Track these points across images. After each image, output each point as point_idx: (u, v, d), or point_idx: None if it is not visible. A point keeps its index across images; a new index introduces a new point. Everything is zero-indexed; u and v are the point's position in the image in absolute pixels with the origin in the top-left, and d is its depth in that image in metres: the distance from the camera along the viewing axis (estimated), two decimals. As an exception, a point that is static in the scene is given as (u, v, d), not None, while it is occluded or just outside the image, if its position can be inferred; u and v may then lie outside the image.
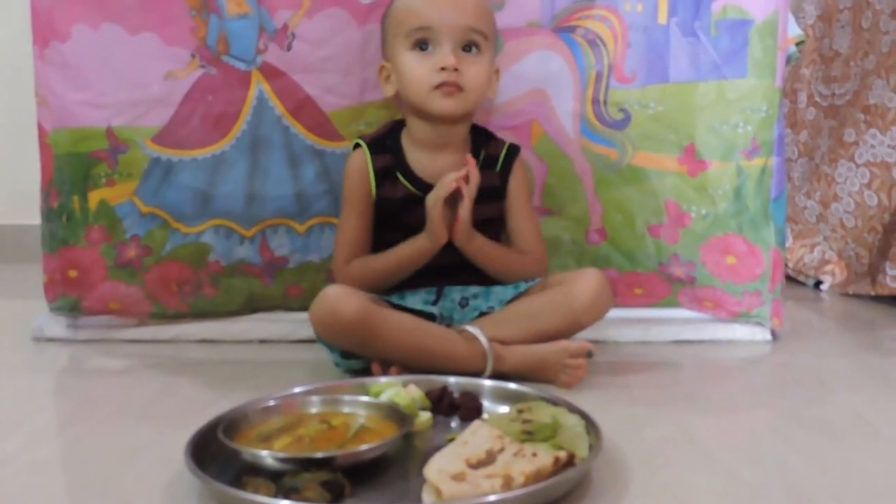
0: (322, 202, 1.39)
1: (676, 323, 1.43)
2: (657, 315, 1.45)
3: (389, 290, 1.26)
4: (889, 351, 1.41)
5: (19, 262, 1.97)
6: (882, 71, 1.74)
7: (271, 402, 0.97)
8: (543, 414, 0.95)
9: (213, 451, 0.87)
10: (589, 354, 1.16)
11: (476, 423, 0.89)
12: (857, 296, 1.76)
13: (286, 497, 0.77)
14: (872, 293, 1.70)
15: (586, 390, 1.15)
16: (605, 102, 1.39)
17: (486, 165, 1.30)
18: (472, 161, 1.20)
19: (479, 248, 1.25)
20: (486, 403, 1.05)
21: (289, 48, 1.36)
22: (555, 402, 0.98)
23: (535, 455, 0.81)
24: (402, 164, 1.28)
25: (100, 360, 1.35)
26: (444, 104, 1.22)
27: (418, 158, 1.28)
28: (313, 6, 1.35)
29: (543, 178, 1.42)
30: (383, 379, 1.08)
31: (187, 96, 1.36)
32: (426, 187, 1.26)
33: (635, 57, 1.38)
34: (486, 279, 1.28)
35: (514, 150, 1.32)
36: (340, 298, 1.13)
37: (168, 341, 1.42)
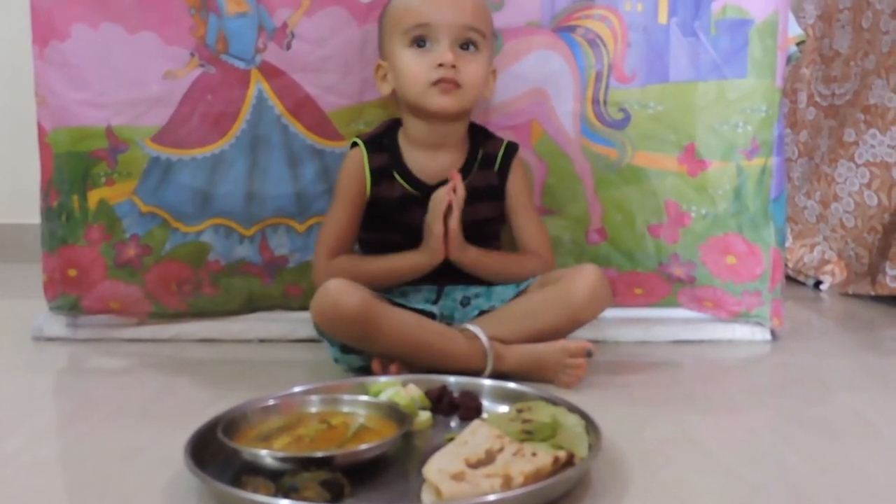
0: (322, 201, 1.39)
1: (676, 323, 1.43)
2: (657, 315, 1.45)
3: (390, 287, 1.26)
4: (889, 351, 1.41)
5: (19, 262, 1.97)
6: (882, 71, 1.74)
7: (271, 402, 0.97)
8: (543, 414, 0.95)
9: (212, 450, 0.87)
10: (589, 354, 1.16)
11: (476, 423, 0.89)
12: (856, 296, 1.76)
13: (286, 496, 0.77)
14: (872, 293, 1.70)
15: (586, 390, 1.15)
16: (605, 102, 1.39)
17: (483, 164, 1.30)
18: (456, 175, 1.20)
19: (474, 259, 1.25)
20: (485, 403, 1.05)
21: (288, 47, 1.36)
22: (554, 402, 0.98)
23: (534, 455, 0.81)
24: (398, 164, 1.28)
25: (99, 360, 1.35)
26: (441, 101, 1.22)
27: (415, 158, 1.28)
28: (313, 5, 1.35)
29: (543, 177, 1.42)
30: (383, 378, 1.08)
31: (187, 95, 1.36)
32: (423, 187, 1.26)
33: (635, 57, 1.38)
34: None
35: (512, 149, 1.32)
36: (342, 291, 1.12)
37: (168, 341, 1.42)
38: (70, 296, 1.40)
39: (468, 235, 1.21)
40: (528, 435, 0.89)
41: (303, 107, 1.38)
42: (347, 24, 1.35)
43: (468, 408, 1.02)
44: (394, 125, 1.30)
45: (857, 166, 1.79)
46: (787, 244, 1.89)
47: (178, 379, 1.23)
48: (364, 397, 1.00)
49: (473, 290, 1.28)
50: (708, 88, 1.37)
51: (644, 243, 1.42)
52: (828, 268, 1.84)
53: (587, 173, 1.42)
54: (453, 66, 1.20)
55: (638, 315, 1.45)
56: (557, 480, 0.79)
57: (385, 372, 1.15)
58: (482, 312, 1.24)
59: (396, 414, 0.94)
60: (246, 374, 1.26)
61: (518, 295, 1.25)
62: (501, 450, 0.83)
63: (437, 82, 1.21)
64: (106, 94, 1.35)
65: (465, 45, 1.23)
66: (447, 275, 1.26)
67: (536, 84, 1.39)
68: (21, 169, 1.74)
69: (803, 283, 1.88)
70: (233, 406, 0.95)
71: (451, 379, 1.08)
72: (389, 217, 1.27)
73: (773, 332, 1.42)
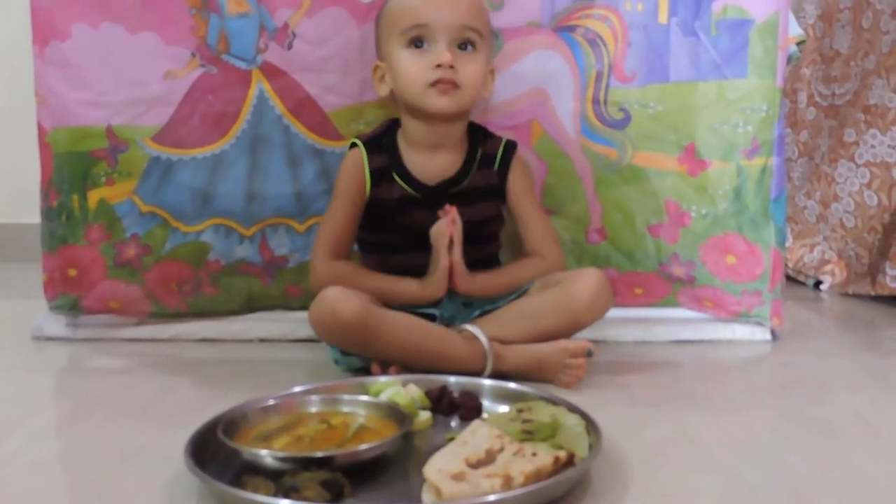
0: (322, 201, 1.39)
1: (676, 323, 1.43)
2: (657, 315, 1.45)
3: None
4: (889, 351, 1.41)
5: (19, 262, 1.97)
6: (882, 71, 1.74)
7: (271, 402, 0.97)
8: (543, 413, 0.95)
9: (212, 450, 0.87)
10: (589, 354, 1.16)
11: (476, 423, 0.89)
12: (856, 296, 1.76)
13: (286, 496, 0.77)
14: (872, 293, 1.70)
15: (586, 390, 1.15)
16: (605, 102, 1.39)
17: (483, 164, 1.30)
18: (451, 209, 1.19)
19: (482, 286, 1.24)
20: (485, 403, 1.05)
21: (289, 47, 1.35)
22: (554, 402, 0.98)
23: (534, 455, 0.81)
24: (398, 165, 1.27)
25: (99, 360, 1.35)
26: (439, 102, 1.21)
27: (414, 159, 1.28)
28: (313, 5, 1.34)
29: (543, 177, 1.42)
30: (383, 378, 1.08)
31: (187, 95, 1.36)
32: (422, 188, 1.26)
33: (635, 56, 1.38)
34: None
35: (511, 147, 1.32)
36: (340, 299, 1.12)
37: (168, 340, 1.42)
38: (70, 295, 1.40)
39: (468, 236, 1.20)
40: (529, 435, 0.89)
41: (303, 107, 1.38)
42: (347, 25, 1.35)
43: (468, 408, 1.02)
44: (393, 126, 1.30)
45: (858, 166, 1.79)
46: (788, 244, 1.89)
47: (178, 379, 1.23)
48: (364, 397, 1.00)
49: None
50: (708, 88, 1.37)
51: (644, 243, 1.42)
52: (828, 268, 1.84)
53: (587, 173, 1.42)
54: (451, 67, 1.20)
55: (638, 315, 1.45)
56: (558, 480, 0.79)
57: (385, 373, 1.14)
58: (484, 313, 1.24)
59: (396, 414, 0.94)
60: (246, 373, 1.26)
61: (519, 296, 1.25)
62: (502, 450, 0.83)
63: (435, 83, 1.20)
64: (106, 93, 1.35)
65: (463, 45, 1.22)
66: (449, 275, 1.24)
67: (536, 84, 1.39)
68: (21, 169, 1.74)
69: (803, 283, 1.88)
70: (233, 406, 0.95)
71: (452, 379, 1.08)
72: (389, 218, 1.27)
73: (773, 332, 1.42)
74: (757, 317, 1.41)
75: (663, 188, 1.40)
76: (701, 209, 1.40)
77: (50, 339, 1.42)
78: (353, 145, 1.29)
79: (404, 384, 1.04)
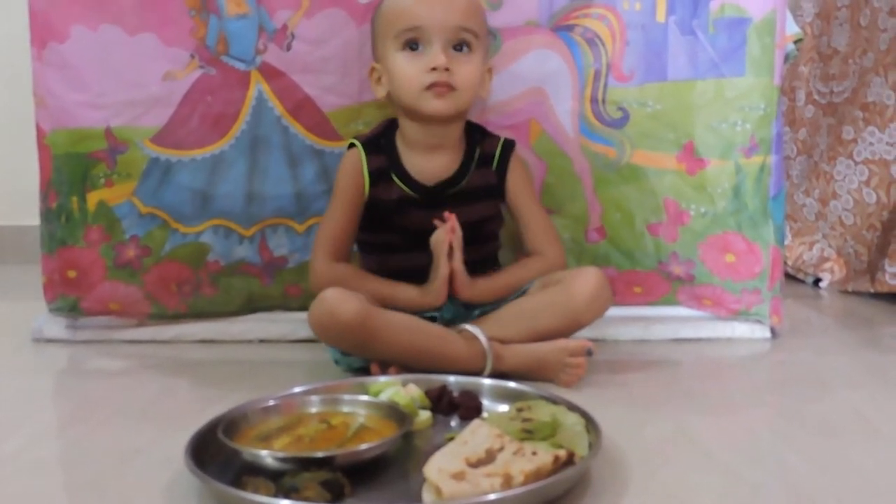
0: (321, 202, 1.39)
1: (676, 321, 1.43)
2: (656, 313, 1.45)
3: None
4: (888, 348, 1.41)
5: (18, 263, 1.97)
6: (880, 68, 1.74)
7: (271, 402, 0.97)
8: (543, 413, 0.95)
9: (212, 451, 0.87)
10: (588, 353, 1.16)
11: (476, 422, 0.89)
12: (856, 293, 1.76)
13: (286, 497, 0.77)
14: (871, 290, 1.70)
15: (586, 389, 1.15)
16: (603, 101, 1.39)
17: (481, 163, 1.30)
18: (451, 216, 1.19)
19: (484, 291, 1.24)
20: (485, 402, 1.05)
21: (288, 48, 1.36)
22: (554, 401, 0.98)
23: (534, 454, 0.81)
24: (396, 166, 1.27)
25: (99, 361, 1.35)
26: (435, 105, 1.21)
27: (413, 159, 1.28)
28: (312, 6, 1.34)
29: (542, 177, 1.42)
30: (383, 378, 1.08)
31: (186, 96, 1.36)
32: (421, 189, 1.26)
33: (633, 55, 1.38)
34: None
35: (509, 146, 1.32)
36: (339, 301, 1.12)
37: (168, 342, 1.42)
38: (70, 297, 1.40)
39: (467, 236, 1.20)
40: (529, 434, 0.89)
41: (302, 107, 1.38)
42: (346, 25, 1.35)
43: (468, 407, 1.02)
44: (391, 126, 1.30)
45: (856, 164, 1.79)
46: (787, 242, 1.89)
47: (178, 380, 1.23)
48: (364, 397, 1.00)
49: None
50: (706, 87, 1.37)
51: (643, 242, 1.43)
52: (827, 265, 1.85)
53: (586, 172, 1.42)
54: (446, 69, 1.20)
55: (637, 313, 1.45)
56: (558, 479, 0.79)
57: (384, 374, 1.15)
58: (484, 313, 1.24)
59: (396, 414, 0.94)
60: (246, 374, 1.26)
61: (519, 296, 1.25)
62: (501, 449, 0.83)
63: (430, 86, 1.20)
64: (105, 95, 1.35)
65: (459, 46, 1.22)
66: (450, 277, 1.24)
67: (535, 83, 1.39)
68: (20, 170, 1.73)
69: (802, 281, 1.88)
70: (233, 406, 0.96)
71: (451, 378, 1.08)
72: (387, 219, 1.27)
73: (772, 330, 1.42)
74: (756, 315, 1.41)
75: (662, 187, 1.40)
76: (700, 208, 1.40)
77: (50, 340, 1.42)
78: (352, 146, 1.29)
79: (404, 384, 1.04)
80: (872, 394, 1.15)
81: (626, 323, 1.42)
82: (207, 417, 0.92)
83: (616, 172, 1.41)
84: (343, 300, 1.12)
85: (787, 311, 1.44)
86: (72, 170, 1.37)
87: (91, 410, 1.11)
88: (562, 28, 1.38)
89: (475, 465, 0.80)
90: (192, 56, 1.35)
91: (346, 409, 0.97)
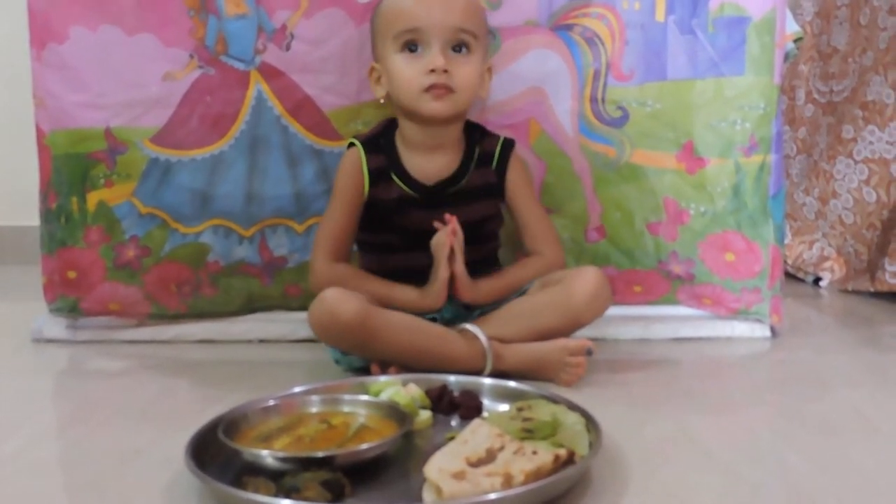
0: (321, 202, 1.39)
1: (676, 320, 1.44)
2: (656, 312, 1.45)
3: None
4: (888, 347, 1.41)
5: (18, 264, 1.97)
6: (880, 67, 1.74)
7: (271, 402, 0.97)
8: (543, 412, 0.95)
9: (213, 451, 0.87)
10: (589, 352, 1.16)
11: (476, 422, 0.90)
12: (856, 292, 1.76)
13: (287, 497, 0.77)
14: (871, 289, 1.70)
15: (586, 388, 1.15)
16: (603, 100, 1.39)
17: (481, 163, 1.30)
18: (452, 218, 1.19)
19: (487, 292, 1.24)
20: (485, 402, 1.05)
21: (287, 48, 1.36)
22: (554, 400, 0.98)
23: (535, 453, 0.81)
24: (396, 165, 1.27)
25: (99, 362, 1.35)
26: (434, 107, 1.21)
27: (412, 159, 1.28)
28: (311, 6, 1.34)
29: (542, 176, 1.42)
30: (383, 378, 1.08)
31: (186, 97, 1.36)
32: (421, 188, 1.26)
33: (633, 55, 1.38)
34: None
35: (508, 145, 1.32)
36: (339, 301, 1.12)
37: (168, 342, 1.42)
38: (69, 298, 1.40)
39: (467, 236, 1.20)
40: (529, 433, 0.90)
41: (302, 107, 1.38)
42: (345, 25, 1.35)
43: (468, 407, 1.02)
44: (390, 126, 1.30)
45: (856, 163, 1.79)
46: (787, 241, 1.89)
47: (178, 380, 1.23)
48: (364, 397, 1.00)
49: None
50: (706, 86, 1.37)
51: (643, 241, 1.43)
52: (827, 264, 1.85)
53: (586, 172, 1.42)
54: (445, 71, 1.19)
55: (637, 313, 1.45)
56: (558, 479, 0.79)
57: (384, 373, 1.15)
58: (484, 313, 1.24)
59: (397, 413, 0.94)
60: (246, 374, 1.26)
61: (519, 295, 1.25)
62: (502, 448, 0.83)
63: (429, 88, 1.20)
64: (105, 95, 1.35)
65: (458, 47, 1.22)
66: (451, 278, 1.24)
67: (534, 83, 1.39)
68: (20, 171, 1.74)
69: (802, 280, 1.88)
70: (233, 407, 0.96)
71: (452, 378, 1.08)
72: (387, 218, 1.27)
73: (772, 329, 1.42)
74: (756, 314, 1.41)
75: (662, 186, 1.40)
76: (699, 207, 1.40)
77: (50, 341, 1.42)
78: (351, 145, 1.29)
79: (404, 384, 1.04)
80: (872, 392, 1.15)
81: (626, 322, 1.42)
82: (208, 418, 0.92)
83: (616, 172, 1.41)
84: (343, 300, 1.12)
85: (787, 310, 1.44)
86: (71, 170, 1.37)
87: (91, 411, 1.11)
88: (561, 27, 1.38)
89: (475, 464, 0.80)
90: (192, 56, 1.35)
91: (346, 408, 0.97)
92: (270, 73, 1.36)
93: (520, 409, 0.97)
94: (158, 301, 1.42)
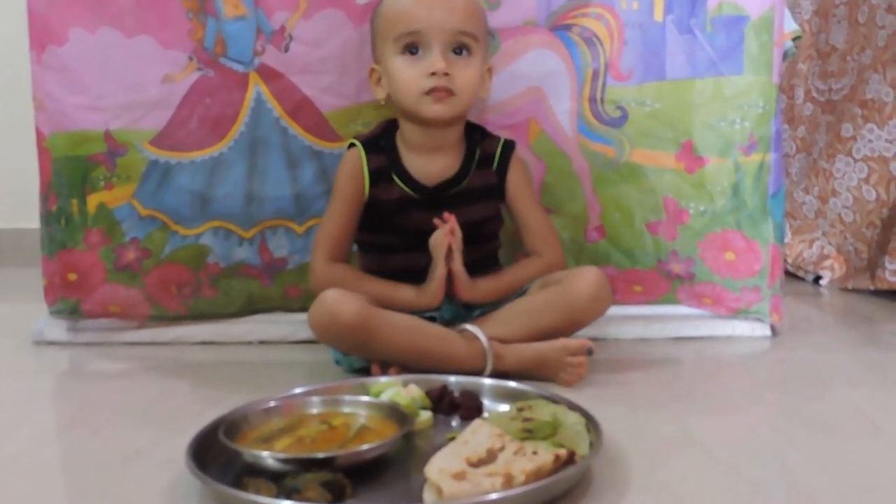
0: (321, 203, 1.39)
1: (676, 320, 1.44)
2: (656, 312, 1.45)
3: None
4: (888, 345, 1.41)
5: (19, 266, 1.97)
6: (879, 65, 1.74)
7: (272, 404, 0.97)
8: (544, 412, 0.95)
9: (214, 452, 0.87)
10: (589, 352, 1.16)
11: (476, 422, 0.90)
12: (856, 291, 1.76)
13: (287, 498, 0.78)
14: (872, 288, 1.70)
15: (586, 388, 1.15)
16: (602, 100, 1.39)
17: (481, 164, 1.30)
18: (451, 217, 1.19)
19: (486, 292, 1.24)
20: (486, 402, 1.05)
21: (286, 49, 1.36)
22: (555, 400, 0.98)
23: (535, 453, 0.81)
24: (397, 166, 1.27)
25: (100, 363, 1.35)
26: (435, 109, 1.21)
27: (413, 160, 1.28)
28: (310, 7, 1.35)
29: (542, 176, 1.42)
30: (383, 379, 1.08)
31: (185, 99, 1.36)
32: (421, 189, 1.26)
33: (632, 54, 1.38)
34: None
35: (509, 146, 1.32)
36: (339, 302, 1.12)
37: (168, 343, 1.42)
38: (70, 300, 1.40)
39: (467, 236, 1.20)
40: (529, 433, 0.89)
41: (301, 108, 1.38)
42: (344, 26, 1.35)
43: (469, 407, 1.02)
44: (391, 126, 1.30)
45: (855, 161, 1.79)
46: (786, 240, 1.89)
47: (178, 382, 1.23)
48: (365, 398, 1.00)
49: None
50: (705, 85, 1.37)
51: (643, 241, 1.43)
52: (827, 263, 1.85)
53: (585, 172, 1.42)
54: (446, 74, 1.19)
55: (637, 312, 1.45)
56: (558, 479, 0.79)
57: (385, 374, 1.15)
58: (484, 313, 1.24)
59: (397, 414, 0.94)
60: (246, 376, 1.26)
61: (519, 296, 1.25)
62: (502, 449, 0.83)
63: (429, 91, 1.20)
64: (104, 98, 1.35)
65: (458, 49, 1.22)
66: (450, 278, 1.24)
67: (533, 83, 1.39)
68: (20, 173, 1.74)
69: (802, 279, 1.88)
70: (234, 408, 0.96)
71: (452, 378, 1.08)
72: (388, 219, 1.27)
73: (772, 328, 1.42)
74: (756, 313, 1.41)
75: (661, 186, 1.40)
76: (699, 206, 1.40)
77: (50, 343, 1.42)
78: (352, 146, 1.29)
79: (405, 384, 1.04)
80: (872, 391, 1.15)
81: (627, 322, 1.42)
82: (208, 419, 0.92)
83: (615, 171, 1.41)
84: (343, 301, 1.12)
85: (787, 308, 1.44)
86: (71, 173, 1.37)
87: (92, 412, 1.11)
88: (560, 28, 1.38)
89: (476, 464, 0.80)
90: (191, 58, 1.35)
91: (346, 409, 0.97)
92: (269, 75, 1.36)
93: (520, 410, 0.97)
94: (159, 303, 1.42)
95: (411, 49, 1.22)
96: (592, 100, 1.39)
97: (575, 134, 1.41)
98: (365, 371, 1.19)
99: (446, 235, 1.17)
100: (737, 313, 1.43)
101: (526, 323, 1.20)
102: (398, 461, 0.89)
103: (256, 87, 1.37)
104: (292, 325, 1.41)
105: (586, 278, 1.19)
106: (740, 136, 1.37)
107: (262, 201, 1.40)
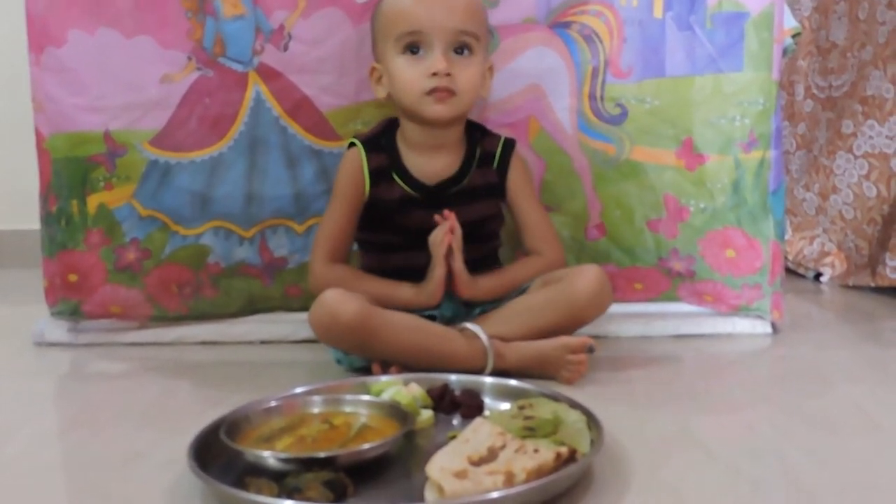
0: (321, 202, 1.39)
1: (676, 317, 1.44)
2: (657, 310, 1.45)
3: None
4: (889, 342, 1.41)
5: (19, 268, 1.97)
6: (879, 62, 1.74)
7: (273, 403, 0.97)
8: (545, 410, 0.95)
9: (215, 452, 0.87)
10: (590, 350, 1.16)
11: (477, 421, 0.90)
12: (856, 287, 1.76)
13: (289, 497, 0.78)
14: (872, 284, 1.70)
15: (587, 386, 1.15)
16: (601, 98, 1.39)
17: (482, 163, 1.30)
18: (451, 215, 1.18)
19: (487, 290, 1.24)
20: (487, 401, 1.05)
21: (285, 49, 1.35)
22: (556, 398, 0.98)
23: (536, 451, 0.81)
24: (397, 165, 1.27)
25: (101, 364, 1.35)
26: (436, 110, 1.21)
27: (414, 159, 1.28)
28: (309, 6, 1.34)
29: (541, 174, 1.42)
30: (384, 378, 1.08)
31: (184, 99, 1.36)
32: (422, 188, 1.26)
33: (631, 52, 1.38)
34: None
35: (510, 145, 1.32)
36: (339, 302, 1.12)
37: (169, 344, 1.42)
38: (71, 301, 1.40)
39: (467, 235, 1.20)
40: (530, 431, 0.90)
41: (300, 108, 1.38)
42: (343, 25, 1.35)
43: (470, 406, 1.03)
44: (391, 125, 1.30)
45: (856, 158, 1.79)
46: (787, 237, 1.89)
47: (179, 382, 1.23)
48: (366, 397, 1.00)
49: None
50: (704, 82, 1.37)
51: (643, 238, 1.43)
52: (828, 260, 1.84)
53: (585, 169, 1.42)
54: (447, 75, 1.19)
55: (638, 310, 1.45)
56: (560, 476, 0.79)
57: (385, 373, 1.15)
58: (484, 311, 1.24)
59: (398, 413, 0.94)
60: (247, 375, 1.26)
61: (520, 294, 1.25)
62: (503, 447, 0.83)
63: (431, 91, 1.20)
64: (103, 98, 1.35)
65: (460, 49, 1.22)
66: (450, 278, 1.23)
67: (533, 81, 1.39)
68: (20, 174, 1.74)
69: (803, 276, 1.88)
70: (235, 408, 0.96)
71: (453, 377, 1.08)
72: (388, 218, 1.27)
73: (773, 325, 1.42)
74: (757, 310, 1.41)
75: (661, 183, 1.40)
76: (699, 203, 1.40)
77: (51, 344, 1.42)
78: (352, 145, 1.29)
79: (406, 383, 1.04)
80: (873, 388, 1.15)
81: (627, 320, 1.42)
82: (209, 419, 0.92)
83: (615, 169, 1.41)
84: (343, 301, 1.12)
85: (787, 306, 1.44)
86: (71, 173, 1.37)
87: (93, 413, 1.11)
88: (559, 25, 1.38)
89: (477, 463, 0.80)
90: (190, 58, 1.35)
91: (348, 408, 0.97)
92: (268, 74, 1.36)
93: (521, 408, 0.97)
94: (159, 303, 1.42)
95: (412, 49, 1.21)
96: (592, 97, 1.39)
97: (575, 131, 1.41)
98: (366, 370, 1.19)
99: (446, 234, 1.17)
100: (737, 310, 1.43)
101: (527, 321, 1.20)
102: (399, 460, 0.89)
103: (256, 87, 1.37)
104: (293, 324, 1.41)
105: (587, 276, 1.19)
106: (740, 132, 1.37)
107: (262, 201, 1.40)
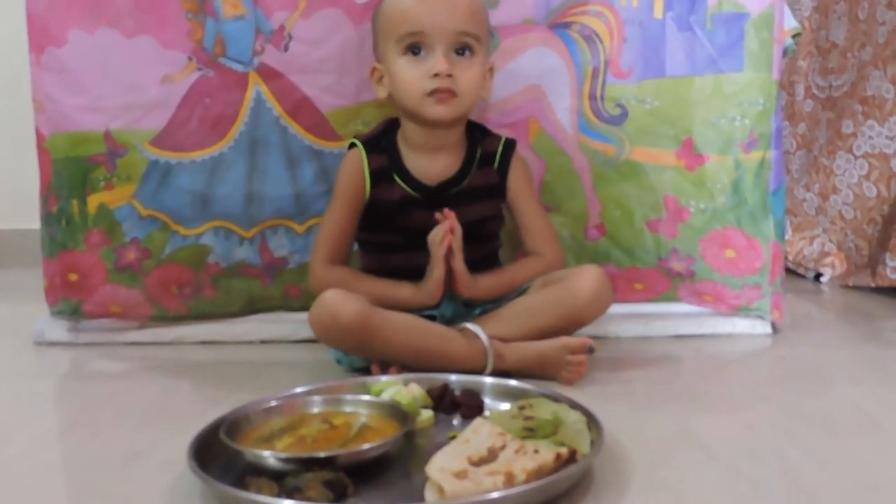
0: (321, 202, 1.39)
1: (676, 317, 1.44)
2: (657, 310, 1.45)
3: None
4: (889, 342, 1.41)
5: (19, 267, 1.97)
6: (879, 62, 1.74)
7: (273, 403, 0.97)
8: (545, 410, 0.95)
9: (215, 452, 0.87)
10: (590, 350, 1.16)
11: (477, 421, 0.90)
12: (857, 287, 1.76)
13: (289, 497, 0.78)
14: (872, 285, 1.70)
15: (587, 386, 1.15)
16: (601, 98, 1.39)
17: (482, 163, 1.30)
18: (450, 215, 1.18)
19: (487, 289, 1.24)
20: (487, 401, 1.05)
21: (285, 49, 1.36)
22: (556, 399, 0.98)
23: (536, 452, 0.81)
24: (398, 166, 1.27)
25: (101, 364, 1.35)
26: (437, 111, 1.21)
27: (414, 159, 1.28)
28: (309, 7, 1.34)
29: (541, 175, 1.42)
30: (384, 378, 1.08)
31: (185, 99, 1.36)
32: (423, 189, 1.26)
33: (631, 52, 1.38)
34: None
35: (510, 145, 1.32)
36: (339, 302, 1.12)
37: (169, 344, 1.42)
38: (71, 300, 1.40)
39: (468, 235, 1.20)
40: (530, 432, 0.90)
41: (301, 108, 1.38)
42: (343, 25, 1.35)
43: (470, 406, 1.03)
44: (391, 126, 1.30)
45: (856, 158, 1.79)
46: (787, 237, 1.89)
47: (179, 382, 1.23)
48: (366, 397, 1.00)
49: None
50: (705, 83, 1.37)
51: (643, 239, 1.43)
52: (828, 260, 1.84)
53: (585, 170, 1.42)
54: (449, 76, 1.19)
55: (638, 310, 1.45)
56: (560, 477, 0.79)
57: (385, 373, 1.15)
58: (484, 312, 1.24)
59: (398, 413, 0.94)
60: (247, 375, 1.26)
61: (520, 294, 1.25)
62: (503, 447, 0.83)
63: (432, 92, 1.20)
64: (104, 98, 1.35)
65: (461, 50, 1.22)
66: (451, 277, 1.24)
67: (533, 81, 1.39)
68: (20, 174, 1.74)
69: (803, 276, 1.88)
70: (235, 408, 0.96)
71: (453, 377, 1.08)
72: (389, 219, 1.27)
73: (773, 326, 1.42)
74: (757, 310, 1.41)
75: (661, 183, 1.40)
76: (699, 203, 1.40)
77: (51, 344, 1.42)
78: (353, 145, 1.29)
79: (406, 383, 1.04)
80: (873, 388, 1.15)
81: (627, 320, 1.42)
82: (209, 419, 0.92)
83: (615, 169, 1.41)
84: (343, 301, 1.12)
85: (787, 306, 1.44)
86: (71, 173, 1.37)
87: (93, 413, 1.11)
88: (559, 25, 1.38)
89: (477, 463, 0.80)
90: (190, 58, 1.35)
91: (348, 408, 0.97)
92: (269, 75, 1.36)
93: (521, 408, 0.97)
94: (160, 303, 1.42)
95: (414, 50, 1.21)
96: (592, 97, 1.39)
97: (575, 132, 1.41)
98: (366, 370, 1.19)
99: (446, 233, 1.17)
100: (737, 311, 1.43)
101: (527, 322, 1.20)
102: (399, 460, 0.89)
103: (256, 87, 1.37)
104: (293, 324, 1.41)
105: (587, 277, 1.19)
106: (740, 133, 1.37)
107: (263, 201, 1.40)
